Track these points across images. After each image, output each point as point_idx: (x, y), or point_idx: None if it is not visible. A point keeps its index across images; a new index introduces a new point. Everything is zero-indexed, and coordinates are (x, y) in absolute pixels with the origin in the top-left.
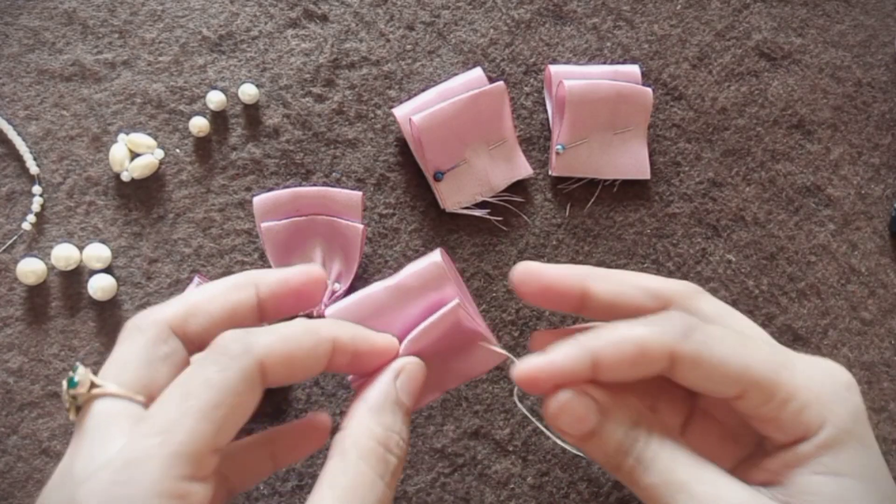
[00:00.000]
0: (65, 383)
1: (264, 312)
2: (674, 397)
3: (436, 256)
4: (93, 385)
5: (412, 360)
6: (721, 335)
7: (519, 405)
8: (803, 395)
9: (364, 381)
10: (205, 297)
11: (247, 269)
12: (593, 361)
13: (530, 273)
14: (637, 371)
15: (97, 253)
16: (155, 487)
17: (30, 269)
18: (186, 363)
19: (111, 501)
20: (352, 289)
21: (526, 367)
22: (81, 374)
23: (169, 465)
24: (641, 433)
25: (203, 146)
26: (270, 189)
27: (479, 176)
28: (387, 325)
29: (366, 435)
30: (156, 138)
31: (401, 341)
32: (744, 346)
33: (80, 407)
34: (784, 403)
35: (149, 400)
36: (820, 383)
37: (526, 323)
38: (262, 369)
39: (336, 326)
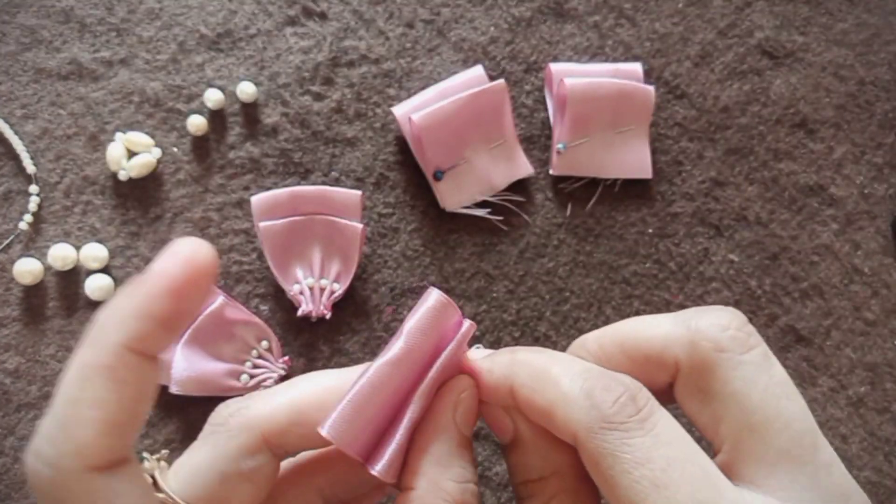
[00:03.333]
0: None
1: (163, 347)
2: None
3: (434, 295)
4: (154, 484)
5: (465, 386)
6: (639, 458)
7: None
8: None
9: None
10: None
11: (244, 270)
12: (510, 396)
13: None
14: (548, 427)
15: (94, 253)
16: None
17: (26, 269)
18: (273, 479)
19: None
20: (350, 289)
21: (468, 361)
22: (147, 467)
23: None
24: (539, 493)
25: (201, 145)
26: (269, 188)
27: (480, 175)
28: (404, 401)
29: (427, 490)
30: (153, 137)
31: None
32: (657, 489)
33: None
34: None
35: None
36: None
37: (526, 323)
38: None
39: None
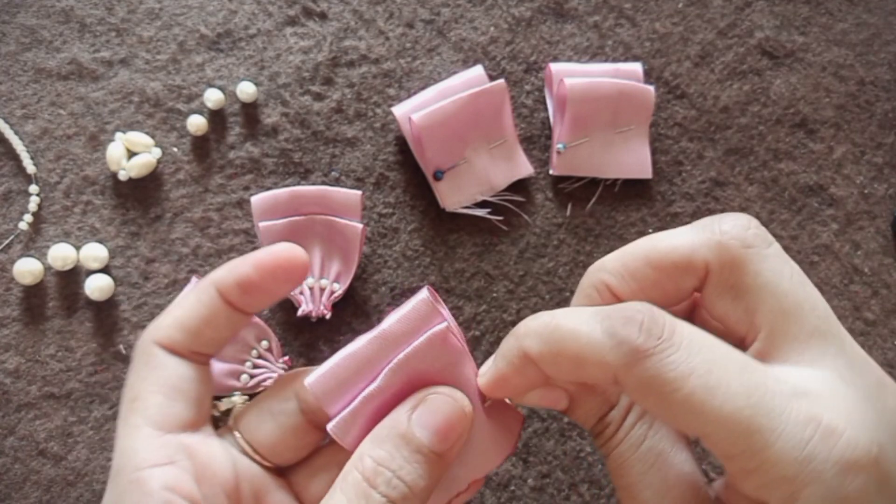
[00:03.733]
0: None
1: (244, 305)
2: None
3: (423, 294)
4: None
5: (438, 390)
6: (683, 371)
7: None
8: (775, 470)
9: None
10: (182, 313)
11: None
12: (537, 371)
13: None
14: (586, 381)
15: (94, 253)
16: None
17: (26, 269)
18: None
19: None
20: (350, 289)
21: (482, 383)
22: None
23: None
24: (613, 420)
25: (201, 145)
26: (269, 188)
27: (480, 175)
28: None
29: (352, 464)
30: (153, 137)
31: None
32: (709, 391)
33: None
34: (748, 473)
35: None
36: (807, 458)
37: None
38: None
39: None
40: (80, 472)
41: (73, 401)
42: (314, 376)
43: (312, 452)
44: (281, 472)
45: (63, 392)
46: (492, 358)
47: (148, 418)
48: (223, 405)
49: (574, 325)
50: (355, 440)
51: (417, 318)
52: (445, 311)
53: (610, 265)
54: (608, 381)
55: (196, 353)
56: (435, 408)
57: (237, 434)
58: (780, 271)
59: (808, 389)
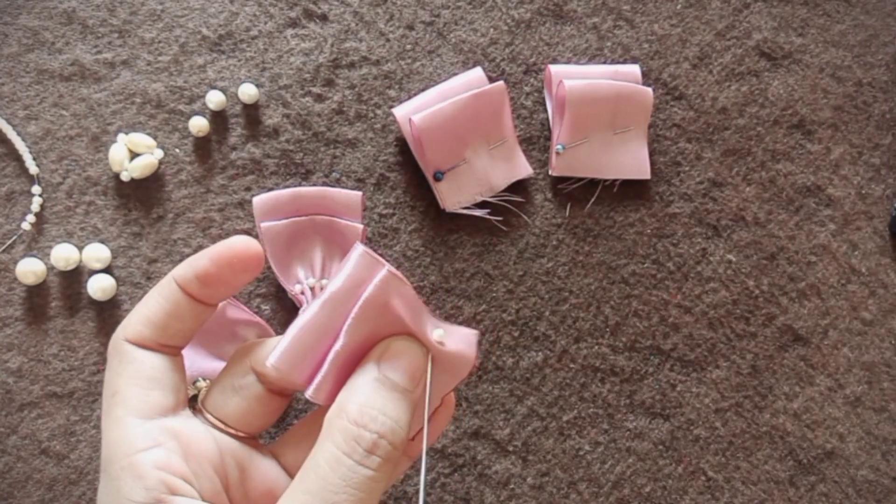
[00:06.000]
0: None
1: (205, 297)
2: None
3: (358, 249)
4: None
5: (397, 338)
6: None
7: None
8: None
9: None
10: (148, 309)
11: None
12: None
13: None
14: None
15: (97, 253)
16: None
17: (29, 269)
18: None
19: None
20: None
21: None
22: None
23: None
24: None
25: (203, 146)
26: (270, 189)
27: (479, 176)
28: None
29: (333, 415)
30: (155, 138)
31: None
32: None
33: None
34: None
35: None
36: None
37: (526, 323)
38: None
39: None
40: (83, 470)
41: (75, 400)
42: (277, 354)
43: (295, 428)
44: (262, 444)
45: (65, 391)
46: None
47: (129, 409)
48: (190, 391)
49: None
50: (297, 372)
51: (359, 272)
52: (381, 259)
53: None
54: None
55: (165, 345)
56: (399, 353)
57: (207, 414)
58: None
59: None
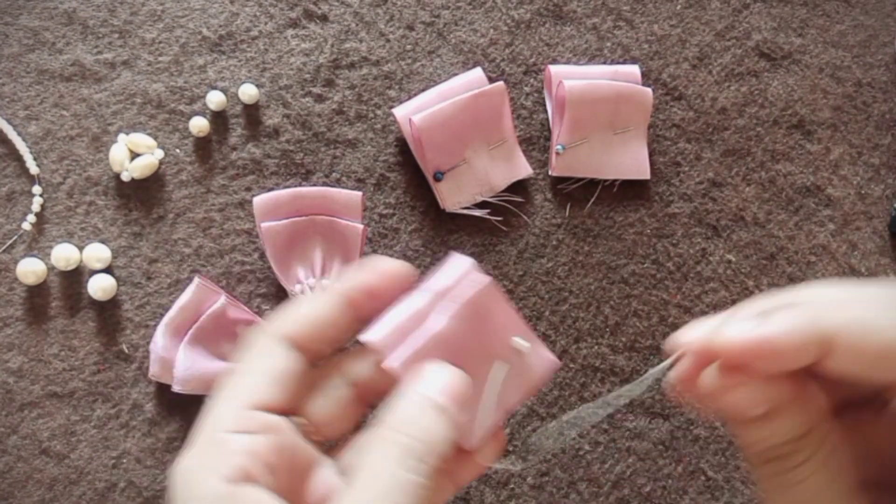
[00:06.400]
0: None
1: (368, 310)
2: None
3: (463, 258)
4: None
5: (440, 365)
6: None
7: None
8: None
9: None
10: (309, 311)
11: (246, 270)
12: (824, 347)
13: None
14: (874, 372)
15: (97, 253)
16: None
17: (30, 269)
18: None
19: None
20: None
21: (735, 336)
22: None
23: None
24: (805, 447)
25: (203, 146)
26: (270, 189)
27: (479, 176)
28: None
29: (383, 429)
30: (156, 138)
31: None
32: None
33: None
34: None
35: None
36: None
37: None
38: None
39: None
40: (83, 470)
41: (75, 400)
42: (380, 334)
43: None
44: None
45: (66, 391)
46: (750, 317)
47: (240, 394)
48: None
49: (888, 310)
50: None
51: (463, 275)
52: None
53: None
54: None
55: (313, 349)
56: (444, 378)
57: (295, 418)
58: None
59: None
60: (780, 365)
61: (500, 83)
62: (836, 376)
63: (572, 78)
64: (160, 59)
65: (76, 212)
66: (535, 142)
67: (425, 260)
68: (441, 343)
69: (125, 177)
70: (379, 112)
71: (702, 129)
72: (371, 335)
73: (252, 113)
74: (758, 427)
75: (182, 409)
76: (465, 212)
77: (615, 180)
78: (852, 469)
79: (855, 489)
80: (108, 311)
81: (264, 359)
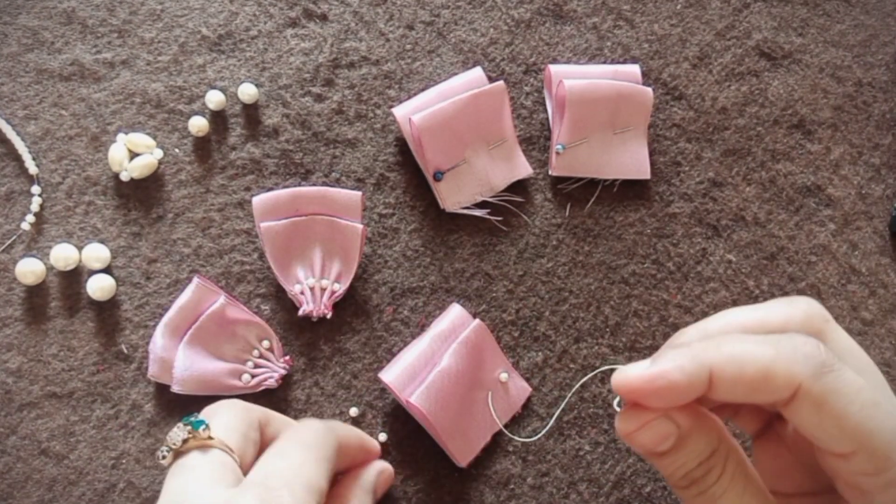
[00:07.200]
0: (184, 424)
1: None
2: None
3: (458, 308)
4: (209, 436)
5: (389, 467)
6: (857, 387)
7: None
8: None
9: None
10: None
11: (245, 270)
12: (710, 379)
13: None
14: (752, 396)
15: (96, 253)
16: None
17: (29, 269)
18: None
19: None
20: (351, 289)
21: (631, 376)
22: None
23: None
24: (715, 464)
25: (202, 146)
26: (270, 189)
27: (479, 176)
28: (431, 366)
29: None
30: (155, 138)
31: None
32: (875, 406)
33: (180, 452)
34: (887, 485)
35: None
36: None
37: (526, 323)
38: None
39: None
40: (82, 471)
41: (74, 400)
42: (393, 374)
43: None
44: None
45: (65, 391)
46: (649, 360)
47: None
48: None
49: (757, 345)
50: (433, 405)
51: (459, 320)
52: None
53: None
54: (787, 390)
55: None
56: (388, 478)
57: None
58: (849, 338)
59: None
60: (673, 399)
61: (500, 83)
62: (728, 402)
63: (572, 77)
64: (159, 58)
65: (75, 212)
66: (535, 141)
67: (425, 260)
68: (444, 377)
69: (124, 176)
70: (379, 112)
71: (702, 128)
72: (385, 374)
73: (251, 112)
74: (672, 458)
75: (181, 409)
76: (465, 212)
77: (615, 180)
78: (779, 478)
79: (769, 491)
80: (107, 312)
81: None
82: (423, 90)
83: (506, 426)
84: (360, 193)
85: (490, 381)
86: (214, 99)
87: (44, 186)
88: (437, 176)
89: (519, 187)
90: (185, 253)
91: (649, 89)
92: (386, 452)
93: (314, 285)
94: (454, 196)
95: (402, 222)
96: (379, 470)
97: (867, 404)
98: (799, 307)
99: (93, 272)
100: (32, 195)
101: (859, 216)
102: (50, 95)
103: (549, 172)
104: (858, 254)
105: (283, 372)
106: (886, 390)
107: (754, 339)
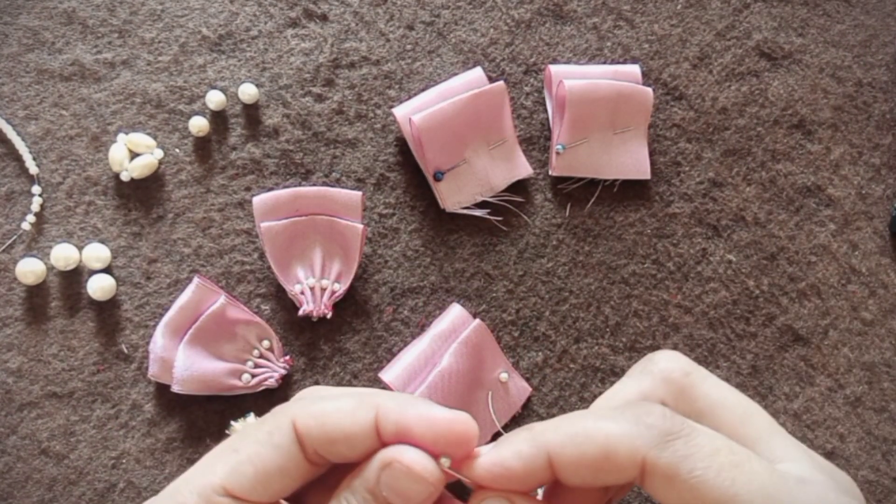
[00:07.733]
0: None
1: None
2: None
3: (458, 308)
4: None
5: (403, 457)
6: (710, 450)
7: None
8: None
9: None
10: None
11: (246, 270)
12: (549, 462)
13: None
14: (601, 477)
15: (96, 253)
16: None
17: (29, 269)
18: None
19: None
20: (351, 289)
21: (478, 469)
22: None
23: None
24: None
25: (203, 146)
26: (270, 189)
27: (479, 176)
28: (431, 366)
29: None
30: (155, 138)
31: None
32: (736, 467)
33: None
34: None
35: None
36: None
37: (526, 323)
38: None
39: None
40: (82, 470)
41: (75, 400)
42: (393, 374)
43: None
44: None
45: (65, 391)
46: (495, 445)
47: (216, 472)
48: (238, 426)
49: (595, 421)
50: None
51: (459, 320)
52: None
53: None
54: (632, 466)
55: (323, 451)
56: (397, 476)
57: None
58: (720, 385)
59: (805, 478)
60: (512, 485)
61: (500, 83)
62: (584, 486)
63: (572, 77)
64: (160, 58)
65: (75, 212)
66: (535, 142)
67: (425, 260)
68: (445, 377)
69: (125, 177)
70: (379, 112)
71: (702, 128)
72: (385, 374)
73: (252, 113)
74: None
75: (181, 409)
76: (465, 212)
77: (615, 180)
78: None
79: None
80: (107, 312)
81: (261, 447)
82: (423, 90)
83: (506, 426)
84: (360, 193)
85: (490, 380)
86: (215, 99)
87: (44, 186)
88: (438, 176)
89: (519, 187)
90: (186, 253)
91: (649, 89)
92: None
93: (314, 285)
94: (454, 196)
95: (402, 222)
96: (384, 462)
97: (725, 466)
98: (657, 367)
99: (93, 272)
100: (33, 195)
101: (859, 216)
102: (50, 95)
103: (550, 172)
104: (858, 254)
105: (284, 372)
106: (774, 434)
107: (594, 415)
